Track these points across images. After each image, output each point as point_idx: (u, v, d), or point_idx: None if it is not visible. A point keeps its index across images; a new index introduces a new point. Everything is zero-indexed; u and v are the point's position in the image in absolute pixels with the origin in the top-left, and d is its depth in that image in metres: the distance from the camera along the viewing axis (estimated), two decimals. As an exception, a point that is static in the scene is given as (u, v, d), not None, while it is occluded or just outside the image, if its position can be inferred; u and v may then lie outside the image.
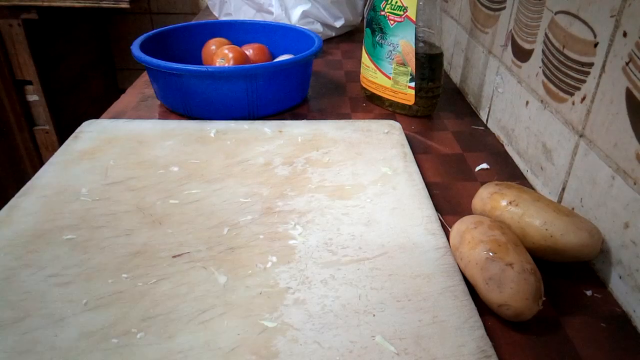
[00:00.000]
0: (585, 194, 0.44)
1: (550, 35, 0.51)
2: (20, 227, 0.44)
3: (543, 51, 0.53)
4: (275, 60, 0.75)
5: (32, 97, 1.25)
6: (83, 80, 1.45)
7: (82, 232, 0.43)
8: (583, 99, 0.45)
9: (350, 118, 0.70)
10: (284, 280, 0.39)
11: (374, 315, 0.36)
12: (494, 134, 0.67)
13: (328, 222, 0.46)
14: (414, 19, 0.64)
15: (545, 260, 0.41)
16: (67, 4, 1.14)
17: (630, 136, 0.38)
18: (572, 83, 0.47)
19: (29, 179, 0.51)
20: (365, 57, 0.73)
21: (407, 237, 0.44)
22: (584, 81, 0.45)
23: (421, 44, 0.65)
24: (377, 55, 0.70)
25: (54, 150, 0.94)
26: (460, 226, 0.41)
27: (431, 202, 0.49)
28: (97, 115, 0.67)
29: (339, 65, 0.92)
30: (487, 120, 0.70)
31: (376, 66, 0.71)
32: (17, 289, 0.37)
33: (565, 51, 0.48)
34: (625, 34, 0.39)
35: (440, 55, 0.67)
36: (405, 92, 0.69)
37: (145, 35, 0.72)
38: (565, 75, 0.48)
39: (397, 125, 0.64)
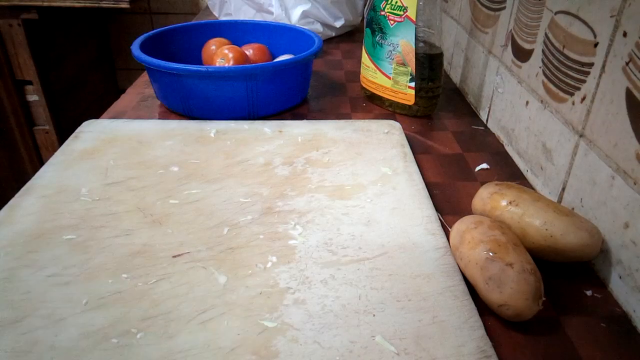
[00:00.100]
0: (585, 194, 0.44)
1: (550, 35, 0.51)
2: (20, 227, 0.44)
3: (543, 51, 0.53)
4: (275, 60, 0.75)
5: (32, 97, 1.25)
6: (83, 80, 1.45)
7: (82, 232, 0.43)
8: (583, 99, 0.45)
9: (350, 118, 0.70)
10: (284, 280, 0.39)
11: (374, 315, 0.36)
12: (494, 134, 0.67)
13: (328, 222, 0.46)
14: (414, 19, 0.64)
15: (545, 260, 0.41)
16: (67, 4, 1.14)
17: (630, 136, 0.38)
18: (572, 83, 0.47)
19: (29, 179, 0.51)
20: (365, 57, 0.73)
21: (407, 237, 0.44)
22: (584, 81, 0.45)
23: (421, 44, 0.65)
24: (377, 55, 0.70)
25: (54, 150, 0.94)
26: (460, 226, 0.41)
27: (431, 202, 0.49)
28: (97, 115, 0.67)
29: (339, 65, 0.92)
30: (487, 120, 0.70)
31: (376, 66, 0.71)
32: (17, 289, 0.37)
33: (565, 51, 0.48)
34: (625, 34, 0.39)
35: (440, 55, 0.67)
36: (405, 92, 0.69)
37: (145, 35, 0.72)
38: (565, 75, 0.48)
39: (397, 125, 0.64)
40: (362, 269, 0.40)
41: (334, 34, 1.08)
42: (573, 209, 0.46)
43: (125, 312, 0.35)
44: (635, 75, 0.38)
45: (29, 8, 1.14)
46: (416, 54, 0.65)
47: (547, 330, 0.37)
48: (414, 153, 0.60)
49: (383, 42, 0.68)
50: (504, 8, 0.64)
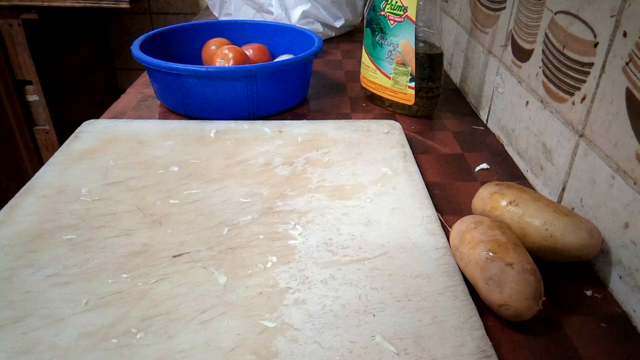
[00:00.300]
0: (585, 194, 0.44)
1: (550, 35, 0.51)
2: (20, 227, 0.44)
3: (543, 51, 0.53)
4: (275, 60, 0.75)
5: (32, 97, 1.25)
6: (83, 80, 1.45)
7: (82, 232, 0.43)
8: (583, 99, 0.45)
9: (350, 118, 0.70)
10: (284, 280, 0.39)
11: (374, 315, 0.36)
12: (494, 134, 0.67)
13: (328, 222, 0.46)
14: (414, 19, 0.64)
15: (545, 260, 0.41)
16: (67, 4, 1.14)
17: (630, 136, 0.38)
18: (572, 83, 0.47)
19: (29, 179, 0.51)
20: (365, 57, 0.73)
21: (407, 237, 0.44)
22: (584, 81, 0.45)
23: (421, 44, 0.65)
24: (377, 55, 0.70)
25: (54, 150, 0.94)
26: (460, 226, 0.41)
27: (431, 202, 0.49)
28: (97, 115, 0.67)
29: (339, 65, 0.92)
30: (487, 120, 0.70)
31: (376, 66, 0.71)
32: (17, 289, 0.37)
33: (565, 51, 0.48)
34: (625, 34, 0.39)
35: (440, 55, 0.67)
36: (405, 92, 0.69)
37: (145, 35, 0.72)
38: (565, 75, 0.48)
39: (397, 125, 0.64)
40: (362, 269, 0.40)
41: (334, 34, 1.08)
42: (573, 209, 0.46)
43: (125, 312, 0.35)
44: (635, 75, 0.38)
45: (29, 8, 1.14)
46: (416, 54, 0.65)
47: (547, 330, 0.37)
48: (414, 153, 0.60)
49: (383, 42, 0.68)
50: (504, 8, 0.64)
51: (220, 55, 0.71)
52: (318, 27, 1.02)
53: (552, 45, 0.51)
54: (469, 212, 0.48)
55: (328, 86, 0.82)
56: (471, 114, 0.73)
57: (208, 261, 0.41)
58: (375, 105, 0.75)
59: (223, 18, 1.09)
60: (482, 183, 0.52)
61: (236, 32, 0.83)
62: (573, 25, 0.47)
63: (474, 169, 0.58)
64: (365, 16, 0.72)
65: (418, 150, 0.62)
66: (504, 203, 0.42)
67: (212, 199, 0.49)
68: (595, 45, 0.43)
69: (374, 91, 0.73)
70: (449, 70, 0.89)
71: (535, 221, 0.40)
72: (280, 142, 0.60)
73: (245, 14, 1.03)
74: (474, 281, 0.38)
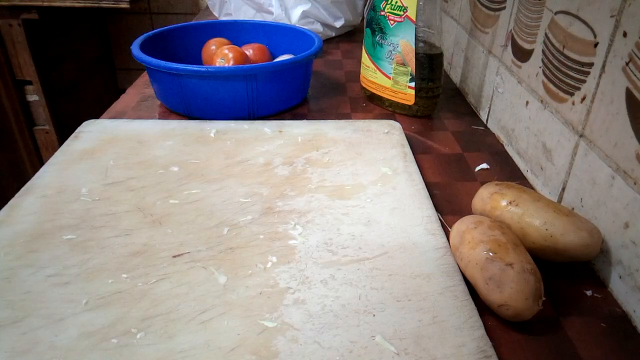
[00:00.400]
0: (585, 194, 0.44)
1: (550, 35, 0.51)
2: (20, 227, 0.44)
3: (543, 51, 0.53)
4: (275, 60, 0.75)
5: (32, 97, 1.25)
6: (83, 80, 1.45)
7: (82, 232, 0.43)
8: (583, 99, 0.45)
9: (350, 118, 0.70)
10: (284, 280, 0.39)
11: (374, 315, 0.36)
12: (494, 134, 0.67)
13: (328, 222, 0.46)
14: (414, 19, 0.64)
15: (545, 260, 0.41)
16: (67, 4, 1.14)
17: (630, 136, 0.38)
18: (572, 83, 0.47)
19: (29, 179, 0.51)
20: (365, 57, 0.73)
21: (407, 237, 0.44)
22: (584, 81, 0.45)
23: (421, 44, 0.65)
24: (377, 55, 0.70)
25: (54, 150, 0.94)
26: (460, 226, 0.41)
27: (431, 202, 0.49)
28: (97, 115, 0.67)
29: (339, 65, 0.92)
30: (487, 120, 0.70)
31: (376, 66, 0.71)
32: (17, 289, 0.37)
33: (565, 51, 0.48)
34: (625, 34, 0.39)
35: (440, 55, 0.67)
36: (405, 92, 0.69)
37: (145, 35, 0.72)
38: (565, 75, 0.48)
39: (397, 125, 0.64)
40: (362, 269, 0.40)
41: (334, 34, 1.08)
42: (573, 209, 0.46)
43: (125, 312, 0.35)
44: (635, 75, 0.38)
45: (29, 8, 1.14)
46: (416, 54, 0.65)
47: (547, 330, 0.37)
48: (414, 153, 0.60)
49: (383, 42, 0.68)
50: (504, 8, 0.64)
51: (220, 55, 0.71)
52: (318, 27, 1.02)
53: (552, 45, 0.51)
54: (469, 212, 0.48)
55: (328, 86, 0.82)
56: (471, 114, 0.73)
57: (208, 261, 0.41)
58: (375, 105, 0.75)
59: (223, 18, 1.09)
60: (482, 183, 0.52)
61: (236, 32, 0.83)
62: (573, 25, 0.47)
63: (474, 169, 0.58)
64: (365, 16, 0.72)
65: (418, 150, 0.62)
66: (504, 203, 0.42)
67: (212, 199, 0.49)
68: (595, 45, 0.43)
69: (374, 91, 0.73)
70: (449, 70, 0.89)
71: (535, 221, 0.40)
72: (280, 142, 0.60)
73: (245, 14, 1.03)
74: (474, 281, 0.38)
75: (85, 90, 1.46)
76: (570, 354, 0.35)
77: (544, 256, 0.40)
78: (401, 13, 0.65)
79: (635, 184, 0.37)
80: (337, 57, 0.97)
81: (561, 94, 0.49)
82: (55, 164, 0.54)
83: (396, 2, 0.65)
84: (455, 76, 0.85)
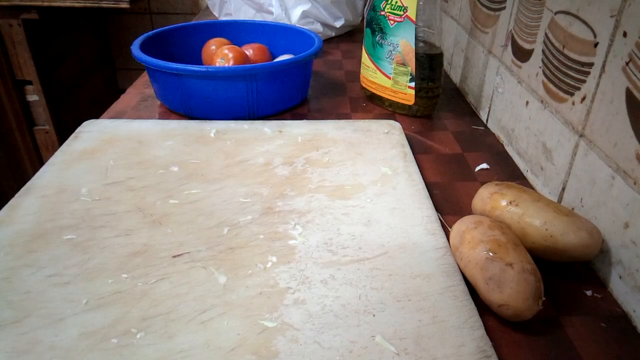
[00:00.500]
0: (585, 194, 0.44)
1: (550, 35, 0.51)
2: (20, 227, 0.44)
3: (543, 51, 0.53)
4: (275, 60, 0.75)
5: (32, 97, 1.25)
6: (83, 80, 1.45)
7: (82, 232, 0.43)
8: (583, 99, 0.45)
9: (350, 118, 0.70)
10: (284, 280, 0.39)
11: (374, 315, 0.36)
12: (494, 134, 0.67)
13: (328, 222, 0.46)
14: (414, 19, 0.64)
15: (545, 260, 0.41)
16: (67, 4, 1.14)
17: (630, 136, 0.38)
18: (572, 83, 0.47)
19: (29, 179, 0.51)
20: (365, 57, 0.73)
21: (407, 237, 0.44)
22: (584, 81, 0.45)
23: (421, 44, 0.65)
24: (377, 55, 0.70)
25: (54, 150, 0.94)
26: (460, 226, 0.41)
27: (431, 202, 0.49)
28: (97, 115, 0.67)
29: (339, 65, 0.92)
30: (487, 120, 0.70)
31: (376, 66, 0.71)
32: (17, 289, 0.37)
33: (565, 51, 0.48)
34: (625, 34, 0.39)
35: (440, 55, 0.67)
36: (405, 92, 0.69)
37: (145, 35, 0.72)
38: (565, 75, 0.48)
39: (397, 125, 0.64)
40: (362, 269, 0.40)
41: (334, 34, 1.08)
42: (573, 209, 0.46)
43: (125, 312, 0.35)
44: (635, 75, 0.38)
45: (29, 8, 1.14)
46: (416, 54, 0.65)
47: (547, 330, 0.37)
48: (414, 153, 0.60)
49: (383, 42, 0.68)
50: (504, 8, 0.64)
51: (220, 55, 0.71)
52: (318, 27, 1.02)
53: (552, 45, 0.51)
54: (469, 212, 0.48)
55: (328, 86, 0.82)
56: (471, 114, 0.73)
57: (208, 261, 0.40)
58: (375, 105, 0.75)
59: (223, 18, 1.09)
60: (482, 183, 0.52)
61: (236, 32, 0.83)
62: (573, 25, 0.47)
63: (474, 169, 0.58)
64: (365, 16, 0.72)
65: (418, 150, 0.62)
66: (504, 203, 0.42)
67: (212, 199, 0.49)
68: (595, 45, 0.43)
69: (374, 91, 0.73)
70: (449, 70, 0.89)
71: (535, 221, 0.40)
72: (280, 142, 0.60)
73: (245, 14, 1.03)
74: (474, 281, 0.38)
75: (85, 90, 1.46)
76: (570, 354, 0.35)
77: (544, 256, 0.40)
78: (401, 13, 0.65)
79: (635, 184, 0.37)
80: (337, 57, 0.97)
81: (561, 94, 0.49)
82: (55, 164, 0.54)
83: (396, 2, 0.65)
84: (455, 76, 0.85)
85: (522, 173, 0.57)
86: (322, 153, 0.57)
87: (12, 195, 0.48)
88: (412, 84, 0.67)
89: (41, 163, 1.32)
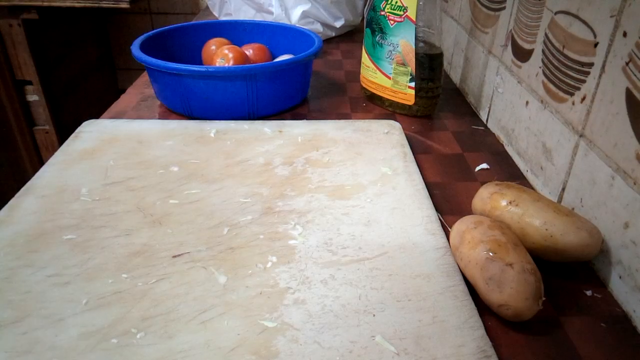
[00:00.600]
0: (585, 194, 0.44)
1: (550, 35, 0.51)
2: (20, 227, 0.44)
3: (543, 51, 0.53)
4: (275, 60, 0.75)
5: (32, 97, 1.25)
6: (83, 80, 1.45)
7: (82, 232, 0.43)
8: (583, 99, 0.45)
9: (350, 118, 0.70)
10: (284, 280, 0.39)
11: (374, 315, 0.36)
12: (494, 134, 0.67)
13: (328, 222, 0.46)
14: (414, 19, 0.64)
15: (545, 260, 0.41)
16: (67, 4, 1.14)
17: (630, 136, 0.38)
18: (572, 83, 0.47)
19: (29, 179, 0.51)
20: (365, 57, 0.73)
21: (407, 237, 0.44)
22: (584, 81, 0.45)
23: (421, 44, 0.65)
24: (377, 55, 0.70)
25: (54, 150, 0.94)
26: (460, 226, 0.41)
27: (431, 202, 0.49)
28: (97, 115, 0.67)
29: (339, 65, 0.92)
30: (487, 120, 0.70)
31: (376, 66, 0.71)
32: (17, 289, 0.37)
33: (565, 51, 0.48)
34: (625, 34, 0.39)
35: (440, 55, 0.67)
36: (405, 92, 0.69)
37: (145, 35, 0.72)
38: (565, 75, 0.48)
39: (397, 125, 0.64)
40: (362, 269, 0.40)
41: (334, 34, 1.08)
42: (573, 209, 0.46)
43: (125, 312, 0.35)
44: (635, 75, 0.38)
45: (29, 8, 1.14)
46: (416, 54, 0.65)
47: (547, 330, 0.37)
48: (414, 153, 0.60)
49: (383, 42, 0.68)
50: (504, 8, 0.64)
51: (220, 55, 0.71)
52: (318, 27, 1.02)
53: (552, 45, 0.51)
54: (469, 212, 0.48)
55: (328, 86, 0.82)
56: (471, 114, 0.73)
57: (208, 261, 0.41)
58: (375, 105, 0.75)
59: (223, 18, 1.09)
60: (482, 183, 0.52)
61: (236, 32, 0.83)
62: (573, 25, 0.47)
63: (474, 169, 0.58)
64: (365, 16, 0.72)
65: (418, 150, 0.62)
66: (504, 203, 0.42)
67: (212, 199, 0.49)
68: (595, 45, 0.43)
69: (374, 91, 0.73)
70: (449, 70, 0.89)
71: (535, 221, 0.40)
72: (280, 142, 0.60)
73: (245, 14, 1.03)
74: (474, 281, 0.38)
75: (85, 90, 1.46)
76: (570, 354, 0.35)
77: (544, 256, 0.40)
78: (401, 13, 0.65)
79: (635, 184, 0.37)
80: (337, 57, 0.97)
81: (561, 94, 0.49)
82: (55, 164, 0.54)
83: (396, 2, 0.65)
84: (455, 76, 0.85)
85: (522, 173, 0.57)
86: (322, 153, 0.57)
87: (12, 195, 0.48)
88: (412, 84, 0.67)
89: (41, 163, 1.32)
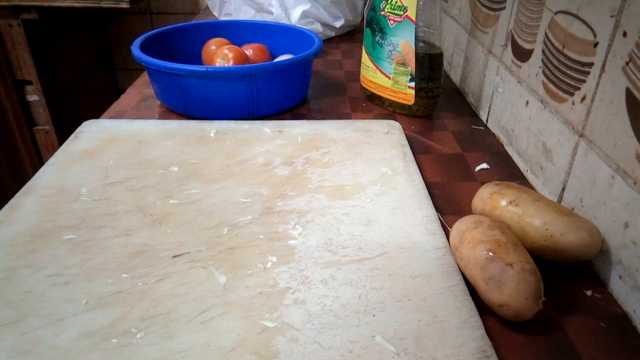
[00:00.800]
0: (585, 194, 0.44)
1: (550, 35, 0.51)
2: (20, 227, 0.44)
3: (543, 51, 0.53)
4: (275, 60, 0.75)
5: (32, 97, 1.25)
6: (83, 80, 1.45)
7: (82, 232, 0.43)
8: (583, 99, 0.45)
9: (350, 118, 0.70)
10: (284, 280, 0.39)
11: (374, 315, 0.36)
12: (494, 134, 0.67)
13: (328, 222, 0.46)
14: (414, 19, 0.64)
15: (545, 260, 0.41)
16: (67, 4, 1.14)
17: (630, 136, 0.38)
18: (572, 83, 0.47)
19: (29, 179, 0.51)
20: (365, 57, 0.73)
21: (407, 237, 0.44)
22: (584, 81, 0.45)
23: (421, 44, 0.65)
24: (377, 55, 0.70)
25: (54, 150, 0.94)
26: (460, 226, 0.41)
27: (431, 202, 0.49)
28: (97, 115, 0.67)
29: (339, 65, 0.92)
30: (487, 120, 0.70)
31: (376, 66, 0.71)
32: (17, 289, 0.37)
33: (565, 51, 0.48)
34: (625, 34, 0.39)
35: (440, 55, 0.67)
36: (405, 92, 0.69)
37: (145, 35, 0.72)
38: (565, 75, 0.48)
39: (397, 125, 0.64)
40: (362, 269, 0.40)
41: (334, 34, 1.08)
42: (573, 209, 0.46)
43: (125, 312, 0.35)
44: (635, 75, 0.38)
45: (29, 8, 1.14)
46: (416, 54, 0.65)
47: (547, 330, 0.37)
48: (414, 153, 0.60)
49: (383, 42, 0.68)
50: (504, 8, 0.64)
51: (220, 55, 0.71)
52: (318, 27, 1.02)
53: (552, 45, 0.51)
54: (469, 212, 0.48)
55: (328, 86, 0.82)
56: (471, 114, 0.73)
57: (208, 261, 0.40)
58: (375, 105, 0.75)
59: (223, 18, 1.09)
60: (482, 183, 0.52)
61: (236, 32, 0.83)
62: (573, 25, 0.47)
63: (474, 169, 0.58)
64: (365, 16, 0.72)
65: (418, 150, 0.62)
66: (504, 203, 0.42)
67: (212, 199, 0.49)
68: (595, 45, 0.43)
69: (374, 91, 0.73)
70: (449, 70, 0.89)
71: (535, 221, 0.40)
72: (280, 142, 0.60)
73: (245, 14, 1.03)
74: (474, 281, 0.38)
75: (85, 90, 1.46)
76: (570, 354, 0.35)
77: (544, 256, 0.40)
78: (401, 13, 0.65)
79: (635, 184, 0.37)
80: (337, 57, 0.97)
81: (561, 93, 0.49)
82: (55, 164, 0.54)
83: (396, 2, 0.65)
84: (455, 76, 0.85)
85: (522, 173, 0.57)
86: (322, 153, 0.57)
87: (12, 195, 0.48)
88: (412, 84, 0.67)
89: (41, 163, 1.32)
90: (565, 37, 0.48)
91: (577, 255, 0.39)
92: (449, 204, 0.51)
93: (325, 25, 1.04)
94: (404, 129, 0.65)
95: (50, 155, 0.56)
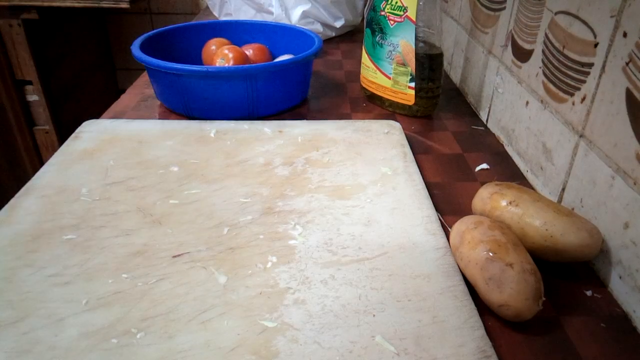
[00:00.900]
0: (585, 194, 0.44)
1: (550, 36, 0.51)
2: (21, 227, 0.44)
3: (543, 51, 0.53)
4: (275, 60, 0.75)
5: (32, 97, 1.25)
6: (83, 80, 1.45)
7: (82, 232, 0.43)
8: (583, 99, 0.45)
9: (350, 118, 0.70)
10: (284, 280, 0.39)
11: (374, 316, 0.36)
12: (494, 134, 0.67)
13: (328, 222, 0.46)
14: (414, 19, 0.64)
15: (545, 260, 0.41)
16: (67, 4, 1.14)
17: (630, 136, 0.38)
18: (572, 83, 0.47)
19: (29, 179, 0.51)
20: (365, 57, 0.73)
21: (407, 237, 0.44)
22: (584, 81, 0.45)
23: (421, 44, 0.65)
24: (377, 55, 0.70)
25: (54, 150, 0.94)
26: (460, 226, 0.41)
27: (431, 202, 0.49)
28: (97, 115, 0.67)
29: (339, 65, 0.92)
30: (487, 120, 0.70)
31: (376, 66, 0.71)
32: (17, 289, 0.37)
33: (565, 51, 0.48)
34: (625, 34, 0.39)
35: (440, 55, 0.67)
36: (405, 92, 0.69)
37: (145, 35, 0.72)
38: (565, 75, 0.48)
39: (397, 125, 0.64)
40: (362, 269, 0.40)
41: (334, 34, 1.08)
42: (573, 209, 0.46)
43: (125, 312, 0.35)
44: (635, 75, 0.38)
45: (29, 8, 1.14)
46: (416, 54, 0.65)
47: (547, 330, 0.37)
48: (414, 153, 0.60)
49: (383, 42, 0.68)
50: (504, 8, 0.64)
51: (220, 55, 0.71)
52: (318, 27, 1.02)
53: (552, 45, 0.51)
54: (469, 212, 0.48)
55: (328, 86, 0.82)
56: (471, 114, 0.73)
57: (208, 261, 0.41)
58: (375, 105, 0.75)
59: (223, 18, 1.09)
60: (482, 183, 0.52)
61: (236, 32, 0.83)
62: (573, 26, 0.47)
63: (474, 169, 0.58)
64: (365, 16, 0.72)
65: (418, 150, 0.62)
66: (504, 203, 0.42)
67: (212, 199, 0.49)
68: (595, 45, 0.43)
69: (374, 91, 0.73)
70: (449, 70, 0.89)
71: (535, 221, 0.40)
72: (280, 142, 0.60)
73: (245, 14, 1.03)
74: (474, 281, 0.38)
75: (85, 90, 1.46)
76: (570, 354, 0.35)
77: (544, 256, 0.40)
78: (401, 13, 0.65)
79: (635, 184, 0.37)
80: (337, 57, 0.97)
81: (561, 94, 0.49)
82: (55, 164, 0.54)
83: (396, 2, 0.65)
84: (455, 76, 0.85)
85: (522, 173, 0.57)
86: (322, 153, 0.57)
87: (12, 195, 0.48)
88: (412, 84, 0.67)
89: (41, 163, 1.32)
90: (565, 37, 0.48)
91: (577, 255, 0.39)
92: (449, 204, 0.51)
93: (325, 25, 1.04)
94: (404, 129, 0.65)
95: (50, 155, 0.56)
